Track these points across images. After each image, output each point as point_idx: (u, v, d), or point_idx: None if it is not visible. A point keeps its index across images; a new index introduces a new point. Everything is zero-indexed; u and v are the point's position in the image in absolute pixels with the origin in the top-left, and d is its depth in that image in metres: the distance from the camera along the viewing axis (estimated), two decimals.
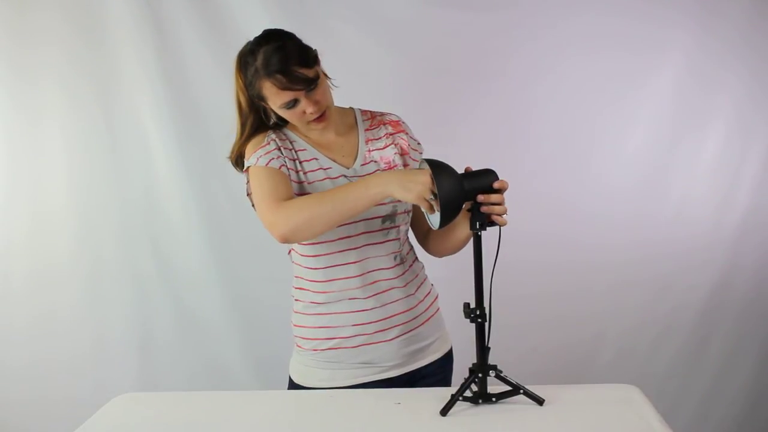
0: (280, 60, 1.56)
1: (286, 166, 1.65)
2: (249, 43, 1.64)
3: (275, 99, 1.61)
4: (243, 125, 1.70)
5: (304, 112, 1.62)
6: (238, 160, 1.72)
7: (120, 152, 2.66)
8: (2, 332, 2.73)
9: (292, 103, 1.61)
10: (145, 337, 2.75)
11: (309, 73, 1.59)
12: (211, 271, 2.71)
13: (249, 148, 1.68)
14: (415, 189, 1.47)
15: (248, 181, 1.69)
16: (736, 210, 2.70)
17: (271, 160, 1.63)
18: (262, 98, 1.63)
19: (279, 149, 1.66)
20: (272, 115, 1.69)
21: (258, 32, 1.66)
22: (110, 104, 2.64)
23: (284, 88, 1.58)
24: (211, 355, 2.75)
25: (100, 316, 2.73)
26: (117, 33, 2.59)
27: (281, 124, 1.73)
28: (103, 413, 1.63)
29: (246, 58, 1.62)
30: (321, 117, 1.64)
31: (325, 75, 1.67)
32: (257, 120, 1.70)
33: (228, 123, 2.62)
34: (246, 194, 1.72)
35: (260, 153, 1.65)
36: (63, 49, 2.60)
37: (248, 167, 1.67)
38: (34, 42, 2.59)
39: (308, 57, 1.60)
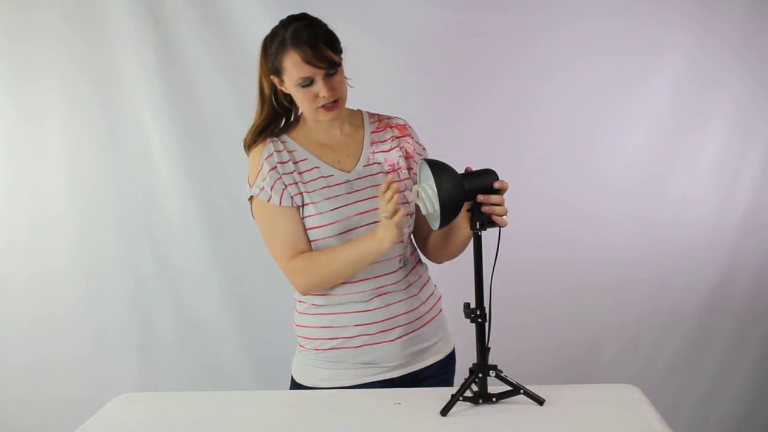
0: (310, 34, 1.59)
1: (286, 186, 1.65)
2: (280, 21, 1.65)
3: (293, 72, 1.60)
4: (261, 109, 1.72)
5: (317, 96, 1.61)
6: (250, 146, 1.72)
7: (120, 152, 2.67)
8: (3, 332, 2.73)
9: (309, 82, 1.60)
10: (145, 337, 2.75)
11: (334, 56, 1.60)
12: (211, 271, 2.71)
13: (250, 167, 1.68)
14: (386, 230, 1.53)
15: (252, 202, 1.71)
16: (737, 210, 2.71)
17: (272, 191, 1.64)
18: (280, 72, 1.63)
19: (275, 168, 1.65)
20: (283, 99, 1.69)
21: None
22: (110, 104, 2.64)
23: (307, 61, 1.58)
24: (211, 355, 2.75)
25: (101, 316, 2.73)
26: (117, 33, 2.59)
27: (289, 124, 1.72)
28: (103, 413, 1.63)
29: (275, 30, 1.64)
30: (332, 105, 1.64)
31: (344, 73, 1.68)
32: (275, 106, 1.71)
33: (228, 123, 2.65)
34: (252, 217, 1.73)
35: (259, 182, 1.66)
36: (63, 49, 2.60)
37: (251, 197, 1.68)
38: (34, 41, 2.59)
39: (335, 42, 1.63)
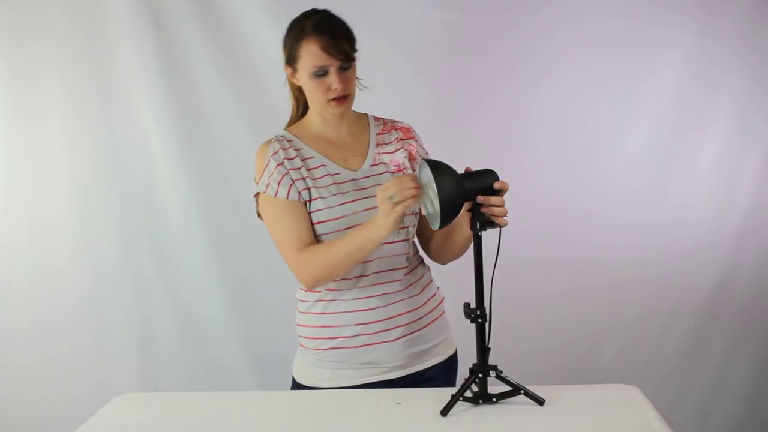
0: (331, 25, 1.62)
1: (294, 181, 1.65)
2: (301, 13, 1.68)
3: (309, 60, 1.62)
4: (298, 104, 1.76)
5: (329, 88, 1.63)
6: None
7: (120, 152, 2.67)
8: (3, 332, 2.73)
9: (323, 72, 1.62)
10: (146, 338, 2.75)
11: (350, 51, 1.63)
12: (211, 271, 2.71)
13: (256, 164, 1.68)
14: (386, 216, 1.49)
15: (257, 201, 1.70)
16: (737, 210, 2.71)
17: (279, 185, 1.64)
18: (295, 60, 1.64)
19: (283, 163, 1.65)
20: (295, 91, 1.72)
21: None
22: (110, 104, 2.64)
23: (325, 50, 1.60)
24: (211, 355, 2.75)
25: (101, 317, 2.73)
26: (117, 32, 2.60)
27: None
28: (103, 413, 1.63)
29: (296, 20, 1.66)
30: (342, 100, 1.65)
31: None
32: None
33: (228, 123, 2.66)
34: (257, 216, 1.73)
35: (266, 178, 1.65)
36: (63, 49, 2.61)
37: (257, 193, 1.68)
38: (34, 40, 2.60)
39: (353, 39, 1.65)
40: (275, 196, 1.65)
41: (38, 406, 2.74)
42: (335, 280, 1.68)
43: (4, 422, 2.77)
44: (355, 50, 1.65)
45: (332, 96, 1.64)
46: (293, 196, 1.65)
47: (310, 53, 1.61)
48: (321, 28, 1.61)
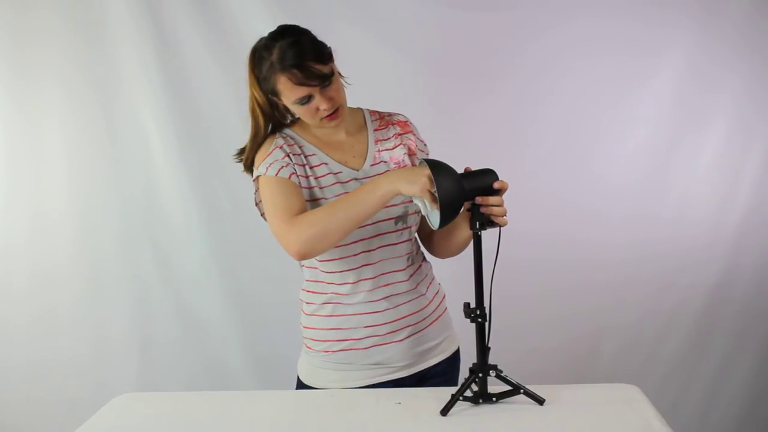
0: (295, 55, 1.55)
1: (296, 173, 1.63)
2: (263, 38, 1.62)
3: (289, 94, 1.59)
4: (257, 124, 1.68)
5: (318, 109, 1.61)
6: (253, 163, 1.68)
7: (120, 152, 2.67)
8: (3, 332, 2.73)
9: (307, 99, 1.59)
10: (146, 337, 2.75)
11: (324, 69, 1.58)
12: (211, 271, 2.71)
13: (258, 156, 1.66)
14: (420, 181, 1.47)
15: (257, 190, 1.68)
16: (737, 209, 2.71)
17: (280, 168, 1.62)
18: (276, 93, 1.62)
19: (288, 156, 1.64)
20: (285, 112, 1.69)
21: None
22: (110, 104, 2.64)
23: (299, 83, 1.56)
24: (211, 355, 2.76)
25: (101, 316, 2.74)
26: (117, 33, 2.60)
27: (294, 119, 1.72)
28: (103, 413, 1.63)
29: (261, 53, 1.61)
30: (334, 114, 1.63)
31: (339, 73, 1.65)
32: (272, 117, 1.69)
33: (228, 123, 2.66)
34: (254, 204, 1.71)
35: (269, 161, 1.63)
36: (63, 49, 2.61)
37: (257, 176, 1.65)
38: (34, 42, 2.60)
39: (323, 53, 1.60)
40: (276, 175, 1.61)
41: (38, 406, 2.74)
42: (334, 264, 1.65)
43: (4, 422, 2.77)
44: (330, 61, 1.61)
45: (323, 115, 1.62)
46: (293, 179, 1.63)
47: (287, 89, 1.58)
48: (286, 62, 1.55)
